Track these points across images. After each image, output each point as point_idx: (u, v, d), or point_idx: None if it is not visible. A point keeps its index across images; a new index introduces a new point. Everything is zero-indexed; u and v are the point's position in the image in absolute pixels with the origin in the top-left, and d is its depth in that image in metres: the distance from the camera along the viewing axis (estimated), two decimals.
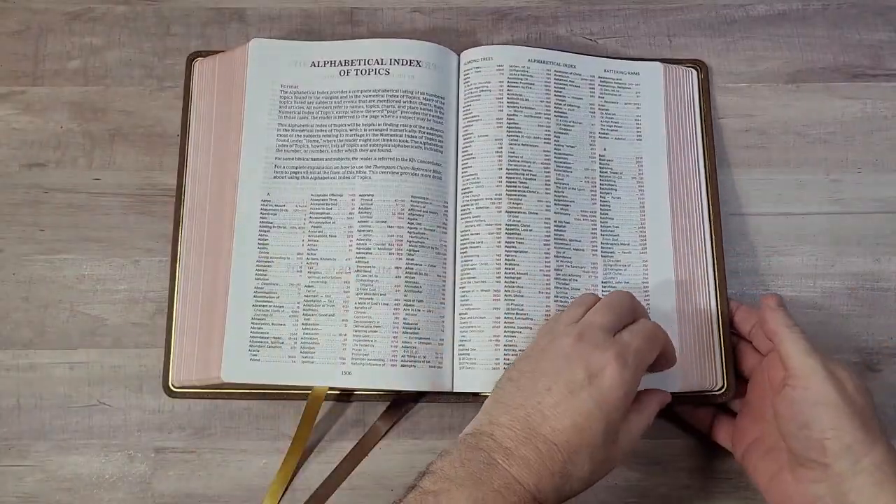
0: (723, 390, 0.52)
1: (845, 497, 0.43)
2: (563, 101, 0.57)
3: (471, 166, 0.56)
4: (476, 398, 0.54)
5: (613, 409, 0.43)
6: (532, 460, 0.42)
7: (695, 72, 0.60)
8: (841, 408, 0.44)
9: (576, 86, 0.58)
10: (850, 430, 0.43)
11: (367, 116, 0.56)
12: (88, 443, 0.54)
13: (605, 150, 0.57)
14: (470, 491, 0.40)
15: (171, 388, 0.54)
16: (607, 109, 0.58)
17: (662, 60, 0.60)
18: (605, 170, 0.57)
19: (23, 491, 0.54)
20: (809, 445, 0.44)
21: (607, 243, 0.55)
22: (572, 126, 0.57)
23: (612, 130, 0.57)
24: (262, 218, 0.55)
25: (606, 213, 0.56)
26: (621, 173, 0.57)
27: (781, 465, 0.47)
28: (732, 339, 0.53)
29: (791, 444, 0.45)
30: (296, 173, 0.56)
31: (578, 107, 0.57)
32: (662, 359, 0.48)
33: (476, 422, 0.44)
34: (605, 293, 0.54)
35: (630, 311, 0.48)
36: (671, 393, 0.52)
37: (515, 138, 0.56)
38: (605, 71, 0.58)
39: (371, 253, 0.54)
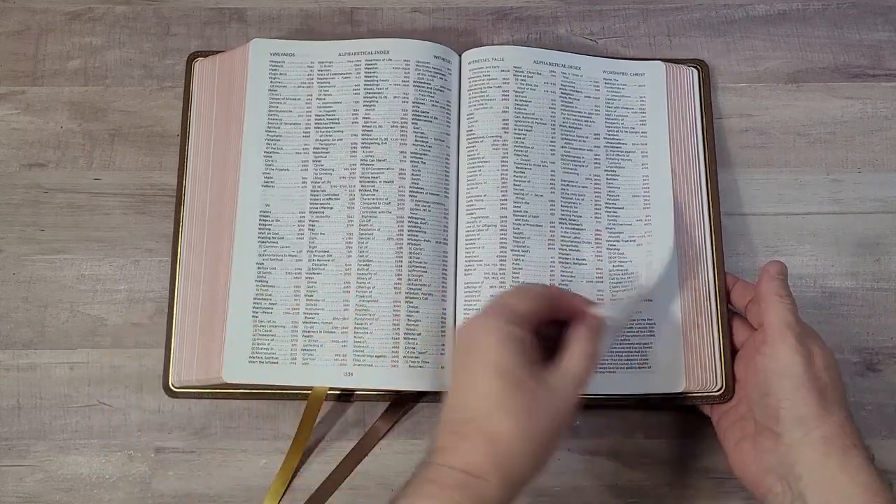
0: (721, 391, 0.52)
1: (792, 468, 0.44)
2: (567, 102, 0.57)
3: (473, 166, 0.56)
4: None
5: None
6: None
7: (696, 71, 0.60)
8: (801, 380, 0.45)
9: (579, 89, 0.58)
10: (805, 402, 0.45)
11: (366, 116, 0.56)
12: (88, 443, 0.54)
13: (609, 149, 0.57)
14: None
15: (171, 388, 0.54)
16: (612, 111, 0.58)
17: (663, 60, 0.60)
18: (610, 169, 0.57)
19: (23, 491, 0.54)
20: (767, 413, 0.46)
21: (611, 243, 0.55)
22: (577, 126, 0.57)
23: (616, 130, 0.57)
24: (262, 217, 0.55)
25: (611, 214, 0.56)
26: (626, 173, 0.57)
27: (746, 434, 0.48)
28: (728, 312, 0.54)
29: (754, 410, 0.48)
30: (296, 173, 0.56)
31: (583, 108, 0.57)
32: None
33: None
34: (610, 293, 0.54)
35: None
36: (675, 393, 0.52)
37: (519, 138, 0.56)
38: (610, 73, 0.58)
39: (372, 253, 0.54)
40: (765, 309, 0.49)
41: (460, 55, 0.58)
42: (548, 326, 0.47)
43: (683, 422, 0.54)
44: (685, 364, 0.52)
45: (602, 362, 0.53)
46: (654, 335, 0.53)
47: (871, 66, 0.61)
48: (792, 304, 0.48)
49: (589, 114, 0.57)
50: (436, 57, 0.57)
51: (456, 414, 0.42)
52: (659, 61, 0.59)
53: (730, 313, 0.54)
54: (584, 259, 0.55)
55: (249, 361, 0.52)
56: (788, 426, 0.45)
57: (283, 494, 0.52)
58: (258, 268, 0.54)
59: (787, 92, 0.61)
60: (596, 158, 0.57)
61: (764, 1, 0.63)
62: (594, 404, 0.54)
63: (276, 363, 0.52)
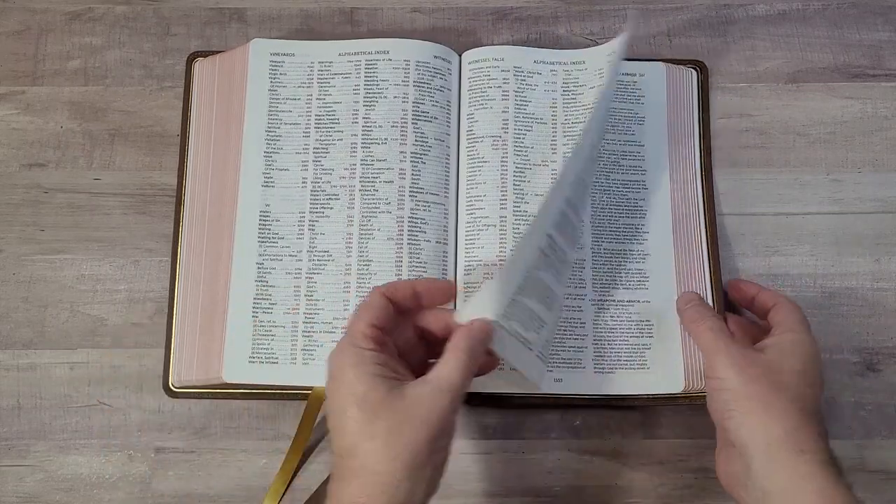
0: None
1: (748, 476, 0.45)
2: (570, 98, 0.57)
3: (473, 166, 0.56)
4: (477, 398, 0.54)
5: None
6: None
7: (695, 72, 0.60)
8: (735, 393, 0.46)
9: (583, 83, 0.58)
10: (744, 412, 0.45)
11: (366, 116, 0.56)
12: (88, 443, 0.54)
13: (609, 148, 0.57)
14: None
15: (171, 388, 0.54)
16: (612, 109, 0.58)
17: (662, 60, 0.60)
18: (611, 168, 0.57)
19: (23, 491, 0.54)
20: (720, 427, 0.47)
21: (609, 243, 0.55)
22: (581, 121, 0.57)
23: (615, 128, 0.57)
24: (262, 217, 0.55)
25: (609, 213, 0.56)
26: (625, 173, 0.57)
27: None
28: (724, 312, 0.53)
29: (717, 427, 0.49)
30: (296, 173, 0.56)
31: (587, 100, 0.57)
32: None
33: None
34: (611, 294, 0.54)
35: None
36: (674, 393, 0.52)
37: (519, 138, 0.56)
38: (613, 52, 0.58)
39: (372, 253, 0.54)
40: (692, 338, 0.51)
41: (460, 55, 0.58)
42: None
43: (683, 422, 0.54)
44: (684, 364, 0.53)
45: (602, 363, 0.53)
46: (652, 336, 0.53)
47: (871, 66, 0.61)
48: (713, 322, 0.49)
49: (594, 103, 0.57)
50: (436, 57, 0.57)
51: (336, 458, 0.42)
52: (659, 62, 0.59)
53: (725, 313, 0.54)
54: (584, 258, 0.55)
55: (249, 361, 0.52)
56: (736, 436, 0.45)
57: (283, 494, 0.52)
58: (258, 268, 0.54)
59: (787, 92, 0.61)
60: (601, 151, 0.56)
61: (764, 1, 0.63)
62: (594, 404, 0.54)
63: (276, 363, 0.52)
